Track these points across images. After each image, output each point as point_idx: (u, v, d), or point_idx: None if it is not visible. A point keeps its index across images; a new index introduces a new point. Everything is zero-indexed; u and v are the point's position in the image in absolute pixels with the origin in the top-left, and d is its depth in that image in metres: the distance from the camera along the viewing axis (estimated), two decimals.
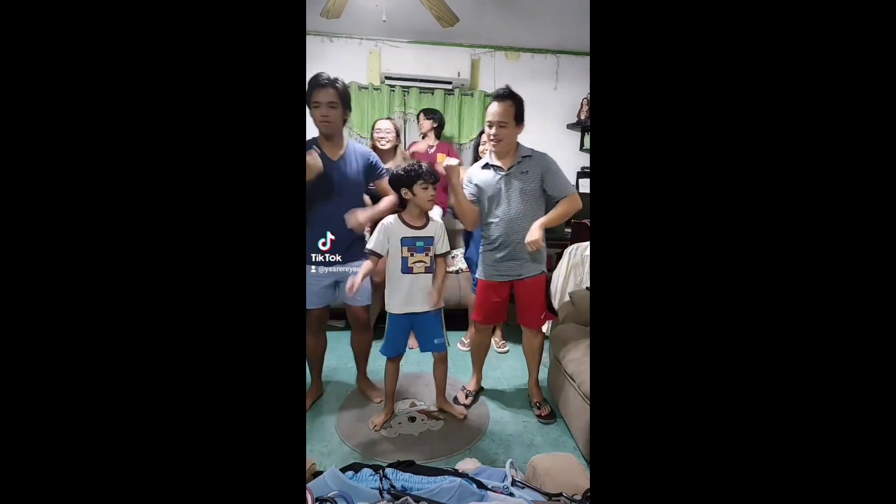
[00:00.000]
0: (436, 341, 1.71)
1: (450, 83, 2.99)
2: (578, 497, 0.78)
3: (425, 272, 1.63)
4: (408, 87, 2.99)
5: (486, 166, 1.75)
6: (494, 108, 1.64)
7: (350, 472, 0.84)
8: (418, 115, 2.69)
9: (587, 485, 0.82)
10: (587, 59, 3.04)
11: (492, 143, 1.67)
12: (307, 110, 1.57)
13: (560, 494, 0.80)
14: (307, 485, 0.72)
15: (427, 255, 1.63)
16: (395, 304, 1.65)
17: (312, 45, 2.94)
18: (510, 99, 1.64)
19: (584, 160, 3.23)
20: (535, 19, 2.71)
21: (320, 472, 0.82)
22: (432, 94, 3.02)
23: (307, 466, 0.92)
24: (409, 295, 1.63)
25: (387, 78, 2.95)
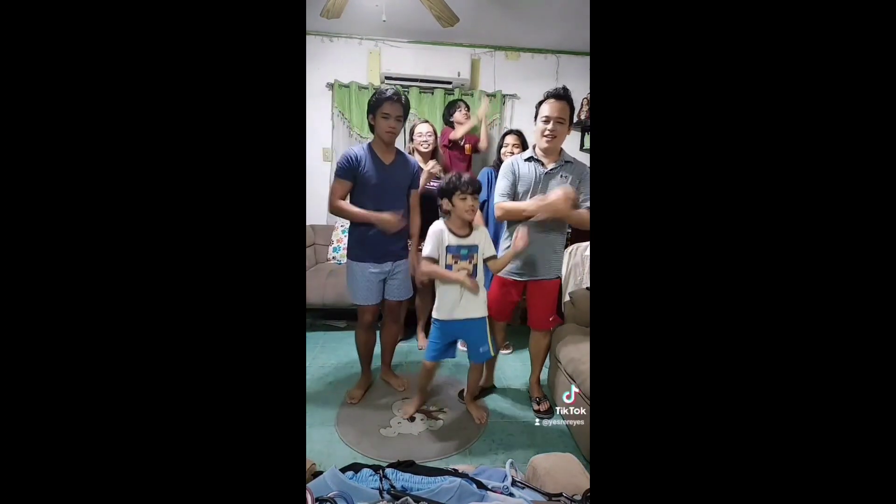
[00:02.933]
0: (481, 350, 1.73)
1: (450, 83, 2.98)
2: (578, 497, 0.77)
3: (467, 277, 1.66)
4: (408, 86, 2.99)
5: (530, 159, 1.74)
6: (554, 105, 1.65)
7: (350, 472, 0.84)
8: (458, 104, 2.72)
9: (587, 485, 0.82)
10: (587, 59, 3.04)
11: (546, 139, 1.67)
12: (375, 118, 1.70)
13: (560, 494, 0.80)
14: (307, 485, 0.72)
15: (471, 262, 1.66)
16: (441, 310, 1.69)
17: (312, 45, 2.94)
18: (566, 100, 1.66)
19: (584, 160, 3.22)
20: (535, 19, 2.70)
21: (320, 472, 0.82)
22: (432, 93, 3.02)
23: (307, 466, 0.92)
24: (454, 302, 1.66)
25: (387, 78, 2.95)
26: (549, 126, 1.65)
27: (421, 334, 2.56)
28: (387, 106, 1.67)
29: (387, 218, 1.69)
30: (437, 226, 1.66)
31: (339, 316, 2.78)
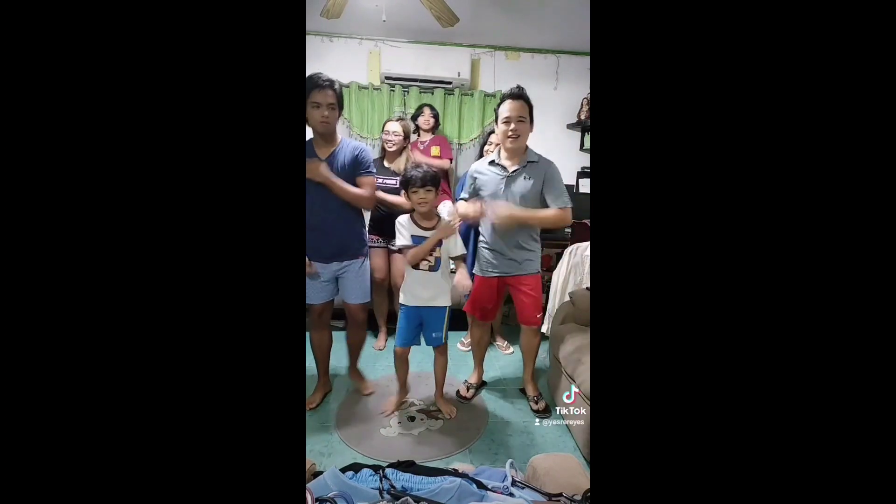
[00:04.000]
0: (433, 335, 1.79)
1: (450, 83, 2.98)
2: (578, 497, 0.77)
3: (429, 270, 1.71)
4: (408, 86, 2.99)
5: (492, 163, 1.77)
6: (512, 105, 1.66)
7: (350, 472, 0.84)
8: (421, 108, 2.67)
9: (587, 485, 0.82)
10: (587, 59, 3.04)
11: (510, 139, 1.69)
12: (307, 110, 1.61)
13: (560, 494, 0.80)
14: (307, 485, 0.72)
15: (433, 255, 1.70)
16: (405, 297, 1.76)
17: (312, 45, 2.94)
18: (524, 99, 1.68)
19: (584, 160, 3.23)
20: (535, 19, 2.70)
21: (320, 472, 0.82)
22: (432, 94, 3.02)
23: (307, 466, 0.92)
24: (416, 289, 1.73)
25: (387, 78, 2.95)
26: (511, 126, 1.67)
27: (381, 336, 2.57)
28: (316, 94, 1.56)
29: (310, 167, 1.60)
30: (403, 218, 1.72)
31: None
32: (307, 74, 1.58)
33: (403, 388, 1.88)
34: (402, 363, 1.84)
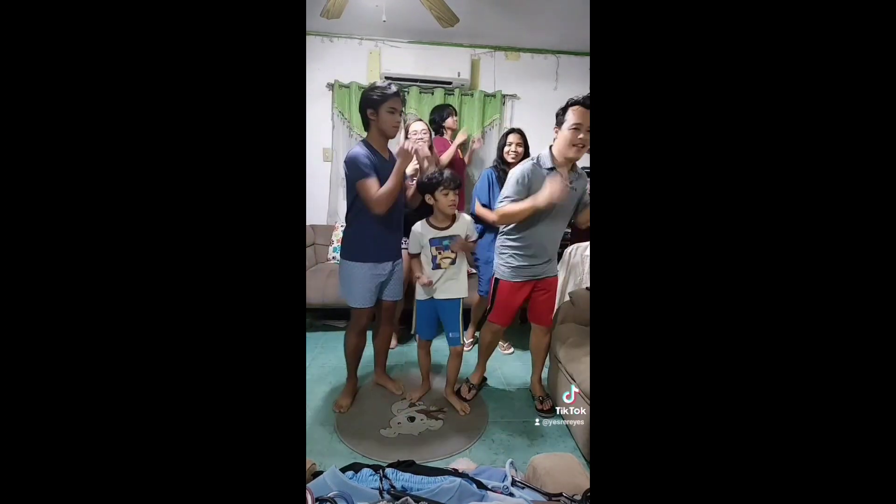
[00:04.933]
0: (451, 335, 1.84)
1: (450, 83, 2.98)
2: (578, 497, 0.77)
3: (451, 264, 1.79)
4: (408, 87, 2.99)
5: (552, 170, 1.70)
6: (584, 113, 1.57)
7: (350, 472, 0.84)
8: (449, 110, 2.64)
9: (587, 485, 0.82)
10: (587, 59, 3.04)
11: (576, 147, 1.62)
12: (379, 114, 1.68)
13: (560, 494, 0.80)
14: (307, 485, 0.72)
15: (452, 251, 1.78)
16: (422, 292, 1.82)
17: (312, 45, 2.94)
18: (589, 109, 1.59)
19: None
20: (535, 19, 2.70)
21: (320, 472, 0.82)
22: (432, 94, 3.02)
23: (307, 466, 0.92)
24: (437, 284, 1.80)
25: (387, 78, 2.95)
26: (581, 135, 1.58)
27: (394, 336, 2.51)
28: (393, 101, 1.69)
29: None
30: (417, 226, 1.78)
31: (339, 316, 2.78)
32: (372, 83, 1.75)
33: (428, 378, 1.96)
34: (422, 354, 1.94)
